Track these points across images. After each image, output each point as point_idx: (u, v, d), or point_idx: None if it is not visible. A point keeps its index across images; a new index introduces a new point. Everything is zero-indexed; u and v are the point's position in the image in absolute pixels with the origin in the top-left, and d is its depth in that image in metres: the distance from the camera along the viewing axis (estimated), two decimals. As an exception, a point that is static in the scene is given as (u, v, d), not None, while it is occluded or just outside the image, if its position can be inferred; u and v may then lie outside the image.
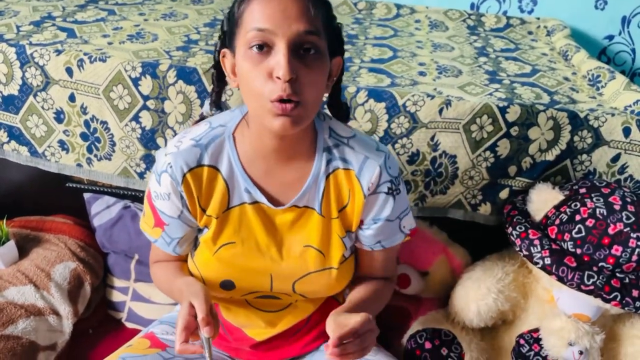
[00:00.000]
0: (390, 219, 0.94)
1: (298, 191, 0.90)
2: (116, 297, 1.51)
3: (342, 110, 0.97)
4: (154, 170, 0.91)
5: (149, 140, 1.39)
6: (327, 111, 0.99)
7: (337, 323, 0.79)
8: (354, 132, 0.94)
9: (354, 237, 0.97)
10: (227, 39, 0.84)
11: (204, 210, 0.91)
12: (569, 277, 1.12)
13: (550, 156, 1.31)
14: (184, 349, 0.78)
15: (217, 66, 0.92)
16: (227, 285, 0.95)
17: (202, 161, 0.88)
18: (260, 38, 0.75)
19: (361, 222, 0.94)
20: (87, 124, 1.41)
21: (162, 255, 1.00)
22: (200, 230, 0.95)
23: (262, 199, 0.90)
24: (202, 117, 0.99)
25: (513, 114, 1.27)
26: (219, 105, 0.97)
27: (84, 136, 1.43)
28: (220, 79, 0.95)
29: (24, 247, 1.46)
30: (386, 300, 1.04)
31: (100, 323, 1.49)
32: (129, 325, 1.50)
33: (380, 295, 1.01)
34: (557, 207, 1.22)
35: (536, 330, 1.24)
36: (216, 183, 0.89)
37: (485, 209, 1.39)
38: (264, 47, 0.76)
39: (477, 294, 1.26)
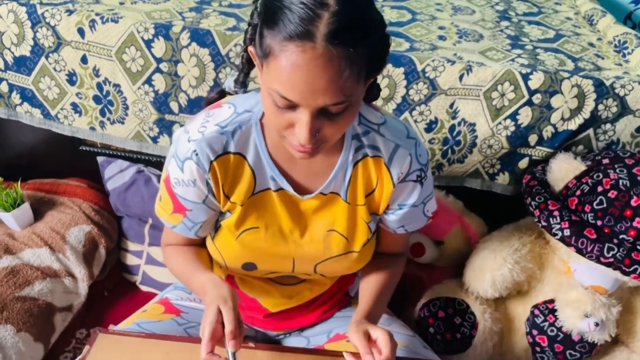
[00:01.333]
0: (416, 204, 0.93)
1: (325, 179, 0.88)
2: (131, 260, 1.52)
3: (372, 92, 0.88)
4: (173, 155, 0.87)
5: (162, 104, 1.37)
6: None
7: (361, 332, 0.81)
8: (384, 117, 0.89)
9: (378, 219, 0.95)
10: (254, 45, 0.74)
11: (227, 197, 0.88)
12: (589, 249, 1.10)
13: (573, 125, 1.27)
14: (209, 359, 0.76)
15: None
16: (249, 266, 0.94)
17: (228, 148, 0.85)
18: (284, 103, 0.70)
19: (387, 207, 0.93)
20: (99, 86, 1.39)
21: (177, 239, 0.97)
22: (222, 214, 0.93)
23: (288, 187, 0.88)
24: (223, 92, 0.94)
25: (536, 81, 1.23)
26: (245, 84, 0.91)
27: (96, 99, 1.41)
28: (250, 61, 0.86)
29: (39, 210, 1.46)
30: (399, 276, 1.03)
31: (115, 286, 1.52)
32: (144, 288, 1.51)
33: (394, 277, 1.01)
34: (578, 178, 1.20)
35: (551, 301, 1.23)
36: (242, 170, 0.87)
37: (504, 178, 1.37)
38: (288, 106, 0.71)
39: (492, 264, 1.25)
